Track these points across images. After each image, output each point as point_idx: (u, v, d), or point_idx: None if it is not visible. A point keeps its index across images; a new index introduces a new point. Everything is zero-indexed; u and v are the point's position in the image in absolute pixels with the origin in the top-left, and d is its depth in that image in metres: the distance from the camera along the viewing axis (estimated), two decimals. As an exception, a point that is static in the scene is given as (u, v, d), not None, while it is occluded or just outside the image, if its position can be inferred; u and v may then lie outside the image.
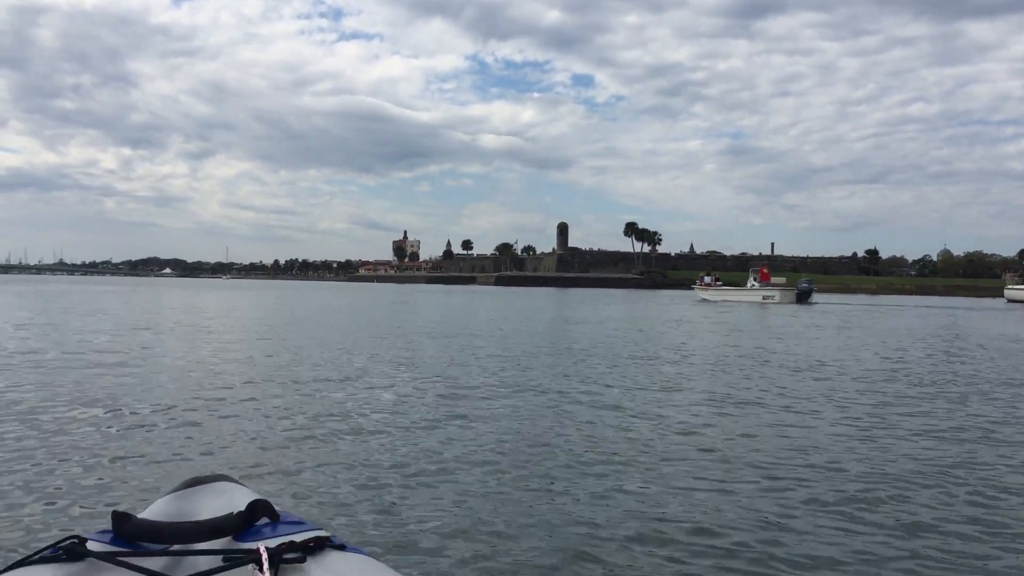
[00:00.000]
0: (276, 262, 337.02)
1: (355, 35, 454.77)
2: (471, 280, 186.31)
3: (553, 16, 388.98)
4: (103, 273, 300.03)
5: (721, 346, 20.01)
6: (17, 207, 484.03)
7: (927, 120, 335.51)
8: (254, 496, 1.46)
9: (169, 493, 1.55)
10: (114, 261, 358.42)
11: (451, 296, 68.13)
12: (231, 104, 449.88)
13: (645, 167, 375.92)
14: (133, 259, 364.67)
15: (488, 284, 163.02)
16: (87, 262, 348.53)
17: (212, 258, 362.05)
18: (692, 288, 79.67)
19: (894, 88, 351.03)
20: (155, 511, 1.45)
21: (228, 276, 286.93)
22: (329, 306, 42.73)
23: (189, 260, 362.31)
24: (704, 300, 66.78)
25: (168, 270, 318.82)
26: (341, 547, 1.27)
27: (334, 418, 8.72)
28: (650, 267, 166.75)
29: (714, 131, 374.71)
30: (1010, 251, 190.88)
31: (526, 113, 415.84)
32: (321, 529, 1.35)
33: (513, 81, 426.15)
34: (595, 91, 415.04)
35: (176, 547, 1.27)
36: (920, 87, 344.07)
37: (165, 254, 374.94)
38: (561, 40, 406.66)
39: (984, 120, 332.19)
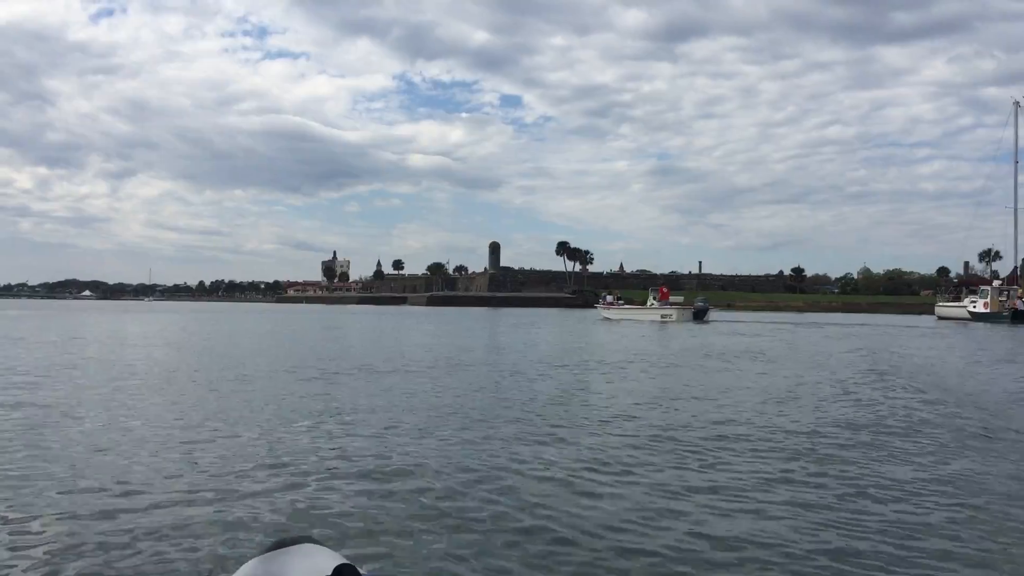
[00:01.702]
0: (201, 283, 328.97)
1: (280, 54, 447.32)
2: (403, 300, 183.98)
3: (481, 37, 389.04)
4: (19, 296, 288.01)
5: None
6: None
7: (844, 142, 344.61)
8: (339, 560, 1.52)
9: (256, 556, 1.58)
10: (31, 283, 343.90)
11: (382, 319, 66.41)
12: (153, 123, 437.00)
13: (574, 187, 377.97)
14: (51, 281, 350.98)
15: (420, 304, 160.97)
16: (1, 285, 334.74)
17: (134, 280, 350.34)
18: (595, 307, 79.84)
19: (813, 111, 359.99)
20: (244, 575, 1.50)
21: (151, 298, 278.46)
22: (240, 332, 40.70)
23: (111, 282, 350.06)
24: (607, 319, 67.76)
25: (88, 292, 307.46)
26: None
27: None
28: (582, 286, 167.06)
29: (641, 152, 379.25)
30: (926, 268, 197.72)
31: (455, 133, 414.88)
32: None
33: (441, 101, 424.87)
34: (523, 111, 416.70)
35: None
36: (837, 110, 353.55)
37: (85, 276, 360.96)
38: (489, 61, 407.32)
39: (898, 142, 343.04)
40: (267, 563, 1.54)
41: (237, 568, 1.56)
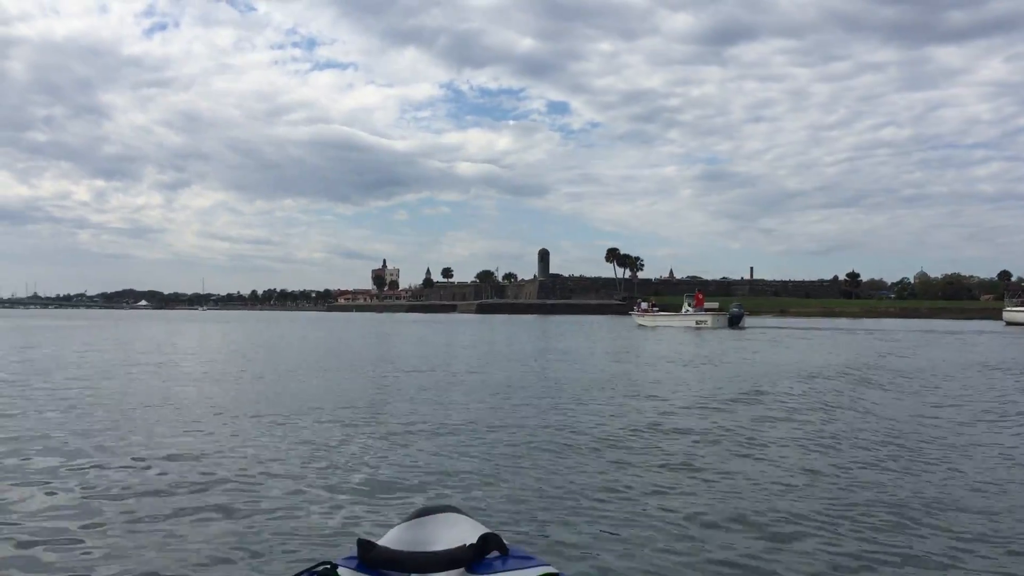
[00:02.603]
0: (254, 292, 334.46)
1: (328, 64, 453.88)
2: (452, 308, 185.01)
3: (527, 44, 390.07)
4: (78, 306, 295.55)
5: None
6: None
7: (898, 144, 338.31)
8: (482, 528, 1.54)
9: (403, 522, 1.64)
10: (89, 294, 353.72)
11: (433, 327, 66.71)
12: (205, 134, 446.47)
13: (622, 193, 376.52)
14: (108, 291, 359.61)
15: (470, 312, 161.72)
16: (61, 295, 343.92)
17: (188, 289, 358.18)
18: (630, 314, 79.24)
19: (865, 113, 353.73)
20: (391, 539, 1.54)
21: (205, 307, 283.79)
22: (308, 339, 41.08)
23: (165, 292, 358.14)
24: (641, 326, 67.03)
25: (144, 302, 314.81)
26: None
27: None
28: (632, 293, 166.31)
29: (689, 157, 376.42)
30: (984, 272, 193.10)
31: (502, 140, 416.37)
32: (550, 565, 1.39)
33: (488, 109, 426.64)
34: (570, 118, 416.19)
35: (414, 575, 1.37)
36: (891, 112, 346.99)
37: (141, 286, 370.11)
38: (535, 67, 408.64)
39: (954, 144, 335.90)
40: (413, 529, 1.59)
41: (384, 533, 1.60)
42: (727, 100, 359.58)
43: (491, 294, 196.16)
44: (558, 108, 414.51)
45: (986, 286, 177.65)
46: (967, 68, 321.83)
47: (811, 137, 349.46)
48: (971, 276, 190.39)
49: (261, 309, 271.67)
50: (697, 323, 63.09)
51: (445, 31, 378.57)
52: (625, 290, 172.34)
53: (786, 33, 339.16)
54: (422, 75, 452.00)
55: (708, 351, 30.51)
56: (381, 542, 1.50)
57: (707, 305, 68.49)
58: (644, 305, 78.07)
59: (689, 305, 68.44)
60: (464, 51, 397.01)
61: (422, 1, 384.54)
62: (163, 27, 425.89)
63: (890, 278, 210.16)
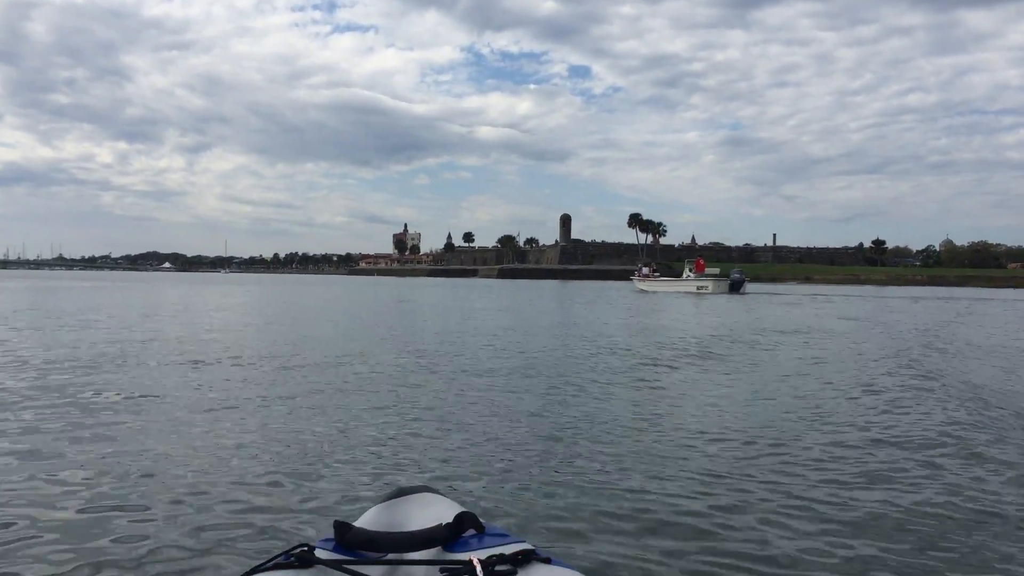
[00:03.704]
0: (276, 256, 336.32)
1: (349, 27, 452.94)
2: (473, 273, 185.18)
3: (548, 7, 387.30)
4: (102, 268, 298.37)
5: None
6: (14, 202, 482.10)
7: (925, 110, 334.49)
8: (458, 508, 1.55)
9: (379, 503, 1.64)
10: (113, 256, 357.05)
11: (456, 290, 66.81)
12: (226, 97, 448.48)
13: (644, 159, 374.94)
14: (132, 254, 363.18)
15: (491, 277, 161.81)
16: (86, 257, 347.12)
17: (211, 252, 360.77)
18: (631, 279, 78.95)
19: (892, 78, 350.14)
20: (367, 520, 1.55)
21: (227, 270, 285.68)
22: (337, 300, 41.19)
23: (188, 254, 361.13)
24: (642, 291, 66.57)
25: (168, 264, 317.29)
26: (547, 560, 1.31)
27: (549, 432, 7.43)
28: (654, 259, 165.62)
29: (712, 122, 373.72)
30: (1012, 240, 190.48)
31: (523, 105, 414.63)
32: (525, 541, 1.40)
33: (509, 73, 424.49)
34: (592, 82, 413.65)
35: (391, 556, 1.37)
36: (918, 77, 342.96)
37: (164, 248, 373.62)
38: (557, 31, 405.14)
39: (982, 110, 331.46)
40: (389, 509, 1.60)
41: (360, 515, 1.60)
42: (751, 65, 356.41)
43: (512, 259, 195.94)
44: (580, 72, 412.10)
45: (1014, 254, 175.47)
46: (997, 32, 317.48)
47: (836, 103, 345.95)
48: (998, 244, 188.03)
49: (283, 272, 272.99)
50: (698, 288, 62.76)
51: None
52: (647, 256, 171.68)
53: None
54: (443, 38, 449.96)
55: (712, 314, 30.35)
56: (357, 523, 1.50)
57: (708, 270, 68.26)
58: (645, 270, 77.19)
59: (690, 270, 68.26)
60: (485, 13, 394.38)
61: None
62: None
63: (915, 246, 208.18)
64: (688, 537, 4.55)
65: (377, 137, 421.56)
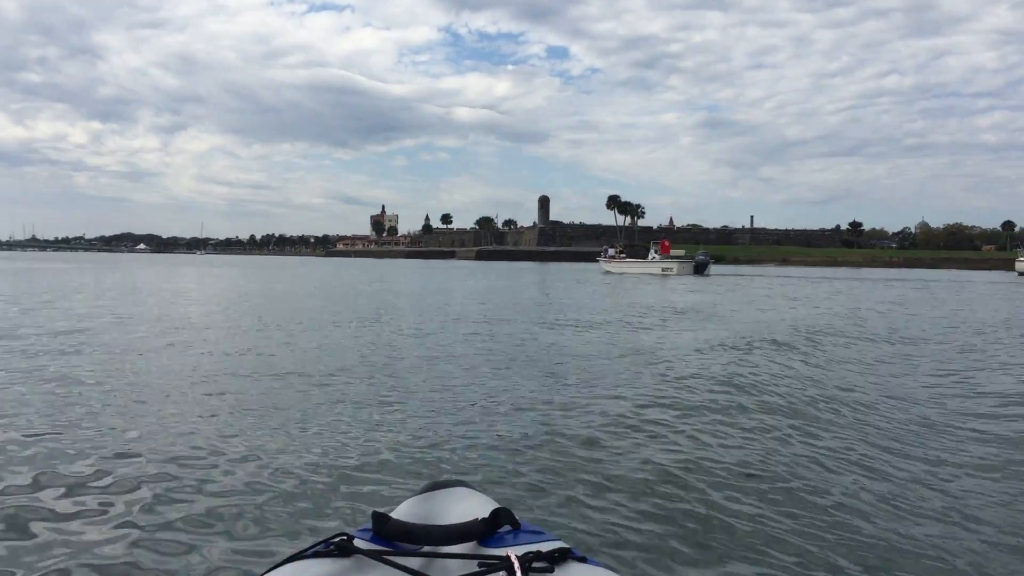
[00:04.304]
0: (252, 237, 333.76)
1: (325, 6, 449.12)
2: (451, 255, 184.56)
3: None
4: (76, 249, 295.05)
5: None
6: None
7: (902, 93, 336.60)
8: (492, 503, 1.56)
9: (414, 496, 1.65)
10: (87, 237, 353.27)
11: (432, 272, 66.30)
12: (201, 77, 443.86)
13: (622, 140, 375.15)
14: (107, 235, 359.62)
15: (469, 259, 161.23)
16: (60, 238, 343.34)
17: (187, 233, 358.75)
18: (597, 260, 78.78)
19: (868, 60, 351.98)
20: (403, 512, 1.55)
21: (203, 252, 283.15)
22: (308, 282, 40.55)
23: (164, 235, 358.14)
24: (608, 272, 66.91)
25: (143, 246, 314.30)
26: (583, 559, 1.30)
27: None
28: (633, 240, 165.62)
29: (690, 104, 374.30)
30: (986, 222, 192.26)
31: (501, 86, 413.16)
32: (561, 540, 1.39)
33: (487, 53, 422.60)
34: (570, 63, 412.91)
35: (428, 548, 1.36)
36: (894, 59, 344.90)
37: (139, 229, 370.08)
38: (535, 11, 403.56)
39: (958, 92, 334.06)
40: (425, 502, 1.60)
41: (396, 506, 1.59)
42: (728, 46, 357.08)
43: (491, 241, 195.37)
44: (557, 53, 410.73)
45: (988, 236, 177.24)
46: (972, 14, 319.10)
47: (813, 85, 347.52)
48: (973, 226, 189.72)
49: (260, 254, 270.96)
50: (663, 270, 63.18)
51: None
52: (626, 238, 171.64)
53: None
54: (420, 18, 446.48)
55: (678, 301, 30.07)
56: (393, 515, 1.48)
57: (673, 252, 68.64)
58: (611, 252, 76.95)
59: (655, 252, 68.37)
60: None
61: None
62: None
63: (891, 228, 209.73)
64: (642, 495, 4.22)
65: (354, 118, 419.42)
